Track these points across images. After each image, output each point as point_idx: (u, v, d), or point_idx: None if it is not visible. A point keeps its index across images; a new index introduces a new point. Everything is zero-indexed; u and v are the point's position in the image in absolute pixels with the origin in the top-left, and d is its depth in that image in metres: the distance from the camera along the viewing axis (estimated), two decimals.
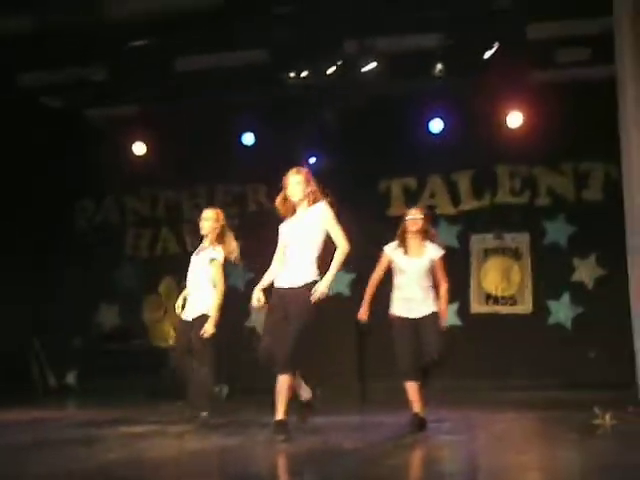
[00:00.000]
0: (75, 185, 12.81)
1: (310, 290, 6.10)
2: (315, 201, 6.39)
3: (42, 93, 10.98)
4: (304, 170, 6.56)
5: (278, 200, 6.57)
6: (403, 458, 5.26)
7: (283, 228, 6.54)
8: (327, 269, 6.23)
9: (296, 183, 6.44)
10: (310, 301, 6.08)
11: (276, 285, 6.39)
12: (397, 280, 6.91)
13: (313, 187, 6.45)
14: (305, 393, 6.43)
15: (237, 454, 5.36)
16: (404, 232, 6.90)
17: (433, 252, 6.89)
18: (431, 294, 6.86)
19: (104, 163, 12.10)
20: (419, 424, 6.52)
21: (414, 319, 6.74)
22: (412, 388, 6.62)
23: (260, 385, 10.65)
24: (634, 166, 5.49)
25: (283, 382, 6.04)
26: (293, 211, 6.48)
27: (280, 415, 6.04)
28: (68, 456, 5.68)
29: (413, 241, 6.87)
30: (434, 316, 6.75)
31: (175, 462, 5.11)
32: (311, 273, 6.23)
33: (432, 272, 6.88)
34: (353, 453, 5.27)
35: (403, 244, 6.88)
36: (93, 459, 5.31)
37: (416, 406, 6.58)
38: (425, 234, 6.94)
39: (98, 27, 9.05)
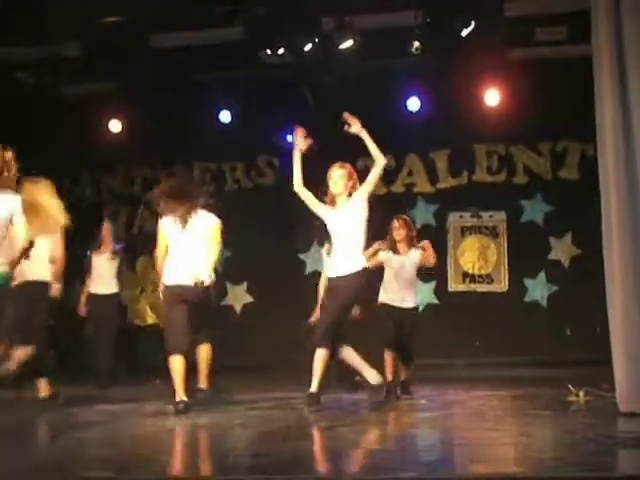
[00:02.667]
0: (50, 162, 12.69)
1: (359, 277, 6.55)
2: (354, 192, 6.74)
3: (16, 69, 10.83)
4: (347, 165, 6.88)
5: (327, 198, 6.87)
6: (377, 435, 5.27)
7: (326, 215, 6.85)
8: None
9: (339, 177, 6.77)
10: (356, 288, 6.60)
11: (328, 275, 7.00)
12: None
13: (354, 181, 6.79)
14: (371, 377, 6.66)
15: (212, 432, 5.36)
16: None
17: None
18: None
19: (80, 140, 12.01)
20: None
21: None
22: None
23: (242, 363, 10.78)
24: (609, 145, 5.49)
25: (319, 356, 6.48)
26: (333, 202, 6.82)
27: (314, 387, 6.45)
28: (44, 433, 5.67)
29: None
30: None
31: (152, 439, 5.10)
32: (358, 261, 6.61)
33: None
34: (326, 430, 5.27)
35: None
36: (68, 437, 5.29)
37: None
38: (410, 240, 7.78)
39: (72, 2, 8.95)
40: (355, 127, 6.89)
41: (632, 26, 5.48)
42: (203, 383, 7.10)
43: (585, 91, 5.80)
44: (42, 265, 7.37)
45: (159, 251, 7.03)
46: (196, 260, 6.83)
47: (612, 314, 5.51)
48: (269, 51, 10.01)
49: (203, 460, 4.34)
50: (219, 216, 7.33)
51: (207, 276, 6.82)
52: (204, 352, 7.12)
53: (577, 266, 11.65)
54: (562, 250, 11.95)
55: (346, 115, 6.95)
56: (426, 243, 7.84)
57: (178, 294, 6.78)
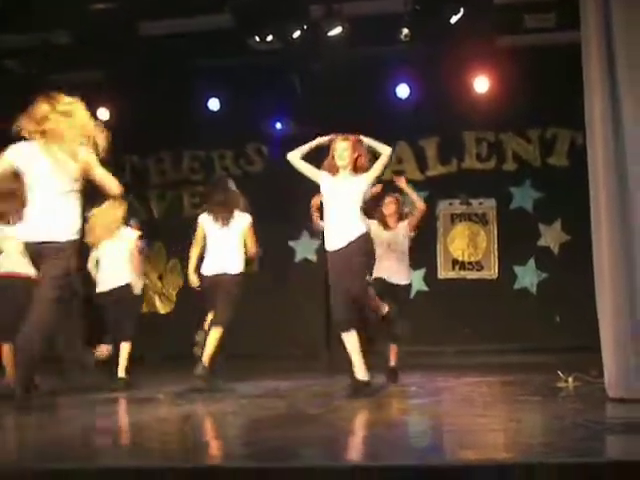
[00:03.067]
0: None
1: (365, 240, 6.56)
2: (360, 167, 6.72)
3: (5, 57, 10.78)
4: (352, 137, 6.83)
5: (326, 162, 6.83)
6: (367, 422, 5.28)
7: (326, 181, 6.78)
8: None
9: (343, 149, 6.72)
10: (365, 252, 6.57)
11: (331, 249, 6.65)
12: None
13: (359, 153, 6.75)
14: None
15: (203, 419, 5.36)
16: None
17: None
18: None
19: None
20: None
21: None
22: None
23: (230, 352, 10.77)
24: (597, 132, 5.49)
25: (350, 341, 6.37)
26: (337, 170, 6.76)
27: (362, 375, 6.36)
28: (28, 424, 5.66)
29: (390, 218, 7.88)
30: None
31: (140, 428, 5.10)
32: (362, 225, 6.59)
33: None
34: (317, 418, 5.28)
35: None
36: (56, 427, 5.28)
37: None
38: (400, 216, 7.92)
39: None
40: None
41: (621, 14, 5.48)
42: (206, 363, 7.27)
43: (574, 78, 5.80)
44: None
45: (195, 243, 7.77)
46: (230, 254, 7.59)
47: (600, 302, 5.53)
48: (258, 38, 9.98)
49: (194, 448, 4.33)
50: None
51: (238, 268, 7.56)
52: (216, 335, 7.35)
53: (566, 253, 11.68)
54: (551, 237, 11.99)
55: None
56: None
57: (214, 282, 7.41)
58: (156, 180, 13.25)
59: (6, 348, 7.65)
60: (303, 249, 12.38)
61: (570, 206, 10.36)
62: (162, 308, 12.93)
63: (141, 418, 5.53)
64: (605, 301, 5.44)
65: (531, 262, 11.99)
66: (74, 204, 5.86)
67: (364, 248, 6.56)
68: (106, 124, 12.11)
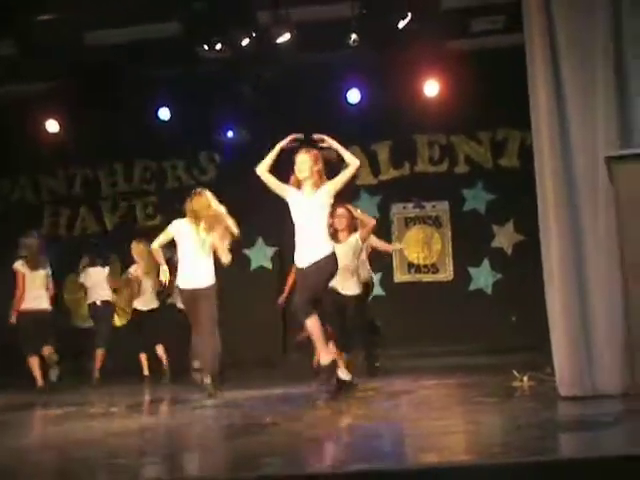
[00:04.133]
0: None
1: (330, 261, 6.71)
2: (321, 181, 6.80)
3: None
4: (313, 151, 6.90)
5: (292, 177, 6.92)
6: (324, 428, 5.27)
7: (292, 197, 6.88)
8: None
9: (301, 162, 6.81)
10: (330, 271, 6.76)
11: (299, 265, 6.82)
12: None
13: (319, 167, 6.83)
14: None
15: (159, 432, 5.31)
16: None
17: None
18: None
19: (17, 142, 11.83)
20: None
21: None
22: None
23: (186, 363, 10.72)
24: (543, 132, 5.54)
25: (311, 325, 6.55)
26: (299, 186, 6.86)
27: (325, 359, 6.57)
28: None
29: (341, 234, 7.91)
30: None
31: (94, 443, 5.03)
32: (327, 246, 6.75)
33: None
34: (273, 426, 5.26)
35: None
36: (5, 443, 5.21)
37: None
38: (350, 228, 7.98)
39: (6, 0, 8.80)
40: (327, 142, 6.97)
41: (563, 15, 5.54)
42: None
43: (523, 79, 5.84)
44: None
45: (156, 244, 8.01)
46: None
47: (550, 301, 5.58)
48: (206, 46, 9.93)
49: (150, 461, 4.29)
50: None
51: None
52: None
53: (520, 253, 11.77)
54: (505, 237, 12.08)
55: (316, 137, 7.01)
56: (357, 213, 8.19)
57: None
58: (108, 191, 13.13)
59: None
60: (258, 257, 12.35)
61: (522, 206, 10.39)
62: (118, 321, 12.78)
63: (94, 433, 5.46)
64: (555, 300, 5.49)
65: (485, 263, 12.07)
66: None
67: (328, 270, 6.77)
68: (55, 136, 12.25)
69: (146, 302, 10.57)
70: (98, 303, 10.70)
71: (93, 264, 10.83)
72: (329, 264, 6.73)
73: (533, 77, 5.62)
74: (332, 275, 6.85)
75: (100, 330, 10.58)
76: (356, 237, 7.92)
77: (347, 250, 7.82)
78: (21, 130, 11.84)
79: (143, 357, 10.56)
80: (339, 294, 7.81)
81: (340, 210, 7.89)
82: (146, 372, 10.34)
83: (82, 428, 5.76)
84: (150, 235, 9.18)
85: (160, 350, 10.37)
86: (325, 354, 6.61)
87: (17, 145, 11.98)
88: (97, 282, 10.73)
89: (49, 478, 3.98)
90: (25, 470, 4.19)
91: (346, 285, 7.86)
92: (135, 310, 10.69)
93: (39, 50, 9.83)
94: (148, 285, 10.53)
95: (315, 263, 6.68)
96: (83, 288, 11.94)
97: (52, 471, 4.16)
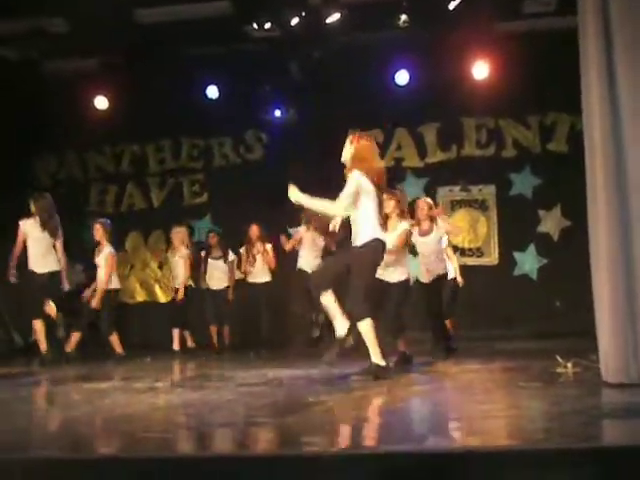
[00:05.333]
0: (36, 141, 12.62)
1: (366, 248, 6.65)
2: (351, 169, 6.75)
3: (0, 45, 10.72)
4: (353, 134, 6.88)
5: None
6: (367, 409, 5.28)
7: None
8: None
9: (345, 147, 6.86)
10: (365, 259, 6.67)
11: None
12: None
13: (354, 152, 6.79)
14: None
15: (200, 408, 5.35)
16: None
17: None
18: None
19: (65, 118, 11.93)
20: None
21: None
22: None
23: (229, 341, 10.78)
24: (595, 117, 5.45)
25: (365, 328, 6.54)
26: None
27: (377, 359, 6.59)
28: (31, 413, 5.66)
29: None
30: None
31: (140, 417, 5.09)
32: (364, 234, 6.68)
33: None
34: (316, 405, 5.27)
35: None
36: (56, 416, 5.28)
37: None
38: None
39: None
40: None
41: None
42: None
43: (574, 63, 5.76)
44: None
45: None
46: None
47: (597, 287, 5.52)
48: (256, 25, 9.94)
49: (193, 437, 4.33)
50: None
51: None
52: None
53: (567, 238, 11.66)
54: (551, 222, 11.97)
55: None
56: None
57: None
58: (155, 168, 13.23)
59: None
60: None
61: (570, 191, 10.32)
62: (162, 296, 12.91)
63: (139, 408, 5.52)
64: (601, 286, 5.42)
65: (531, 248, 11.98)
66: None
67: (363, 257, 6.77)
68: (104, 113, 12.34)
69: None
70: None
71: None
72: (363, 253, 6.74)
73: (585, 60, 5.53)
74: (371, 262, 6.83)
75: None
76: (405, 225, 7.88)
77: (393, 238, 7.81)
78: (69, 107, 11.94)
79: (185, 332, 10.75)
80: (384, 281, 7.80)
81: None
82: (190, 344, 10.62)
83: (127, 402, 5.83)
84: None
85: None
86: (380, 358, 6.65)
87: (65, 122, 12.08)
88: None
89: (84, 449, 4.03)
90: (66, 441, 4.24)
91: (392, 271, 7.85)
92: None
93: (88, 27, 9.91)
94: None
95: (355, 247, 6.79)
96: (129, 263, 12.10)
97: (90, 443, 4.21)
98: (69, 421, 5.01)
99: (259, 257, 10.82)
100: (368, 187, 6.72)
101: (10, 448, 3.97)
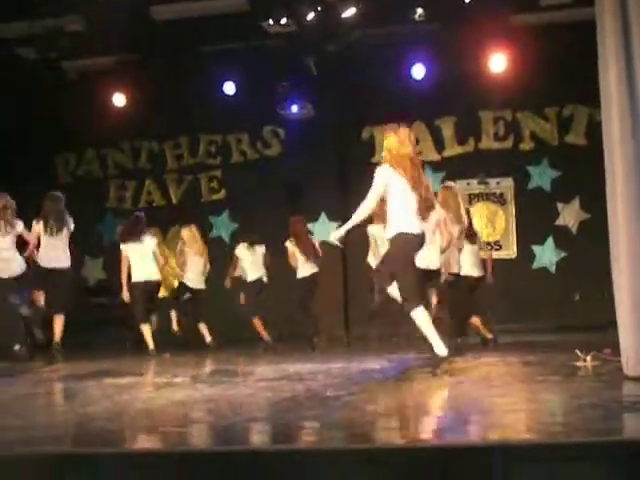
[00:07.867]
0: (55, 138, 12.69)
1: (391, 244, 6.86)
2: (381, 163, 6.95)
3: (17, 44, 10.77)
4: (386, 127, 7.19)
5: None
6: (385, 403, 5.28)
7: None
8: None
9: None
10: (393, 254, 6.85)
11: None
12: None
13: (384, 146, 7.02)
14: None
15: (220, 403, 5.37)
16: None
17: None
18: None
19: (83, 116, 11.98)
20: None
21: None
22: None
23: (243, 335, 10.81)
24: (613, 106, 5.42)
25: (421, 316, 6.74)
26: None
27: (440, 350, 6.80)
28: (50, 408, 5.69)
29: None
30: None
31: (158, 412, 5.11)
32: (389, 229, 6.87)
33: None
34: (335, 399, 5.28)
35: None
36: (74, 411, 5.31)
37: None
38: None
39: None
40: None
41: None
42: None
43: (592, 55, 5.73)
44: None
45: None
46: None
47: (617, 279, 5.48)
48: (272, 21, 9.94)
49: (212, 431, 4.35)
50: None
51: None
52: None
53: (585, 231, 11.63)
54: (570, 215, 11.93)
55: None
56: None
57: None
58: (173, 165, 13.27)
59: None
60: (321, 231, 12.37)
61: (588, 184, 10.25)
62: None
63: (158, 402, 5.54)
64: (621, 279, 5.39)
65: (550, 241, 11.94)
66: None
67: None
68: (122, 110, 12.39)
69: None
70: None
71: None
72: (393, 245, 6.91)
73: (603, 52, 5.50)
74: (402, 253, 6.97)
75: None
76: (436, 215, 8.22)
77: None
78: (88, 104, 12.00)
79: (203, 327, 10.73)
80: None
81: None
82: (208, 339, 10.56)
83: (146, 397, 5.85)
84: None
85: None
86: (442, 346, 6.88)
87: (84, 119, 12.14)
88: None
89: (105, 443, 4.06)
90: (86, 437, 4.28)
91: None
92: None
93: (106, 25, 9.95)
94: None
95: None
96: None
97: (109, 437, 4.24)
98: (98, 415, 5.05)
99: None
100: (395, 179, 6.72)
101: (27, 443, 4.00)
